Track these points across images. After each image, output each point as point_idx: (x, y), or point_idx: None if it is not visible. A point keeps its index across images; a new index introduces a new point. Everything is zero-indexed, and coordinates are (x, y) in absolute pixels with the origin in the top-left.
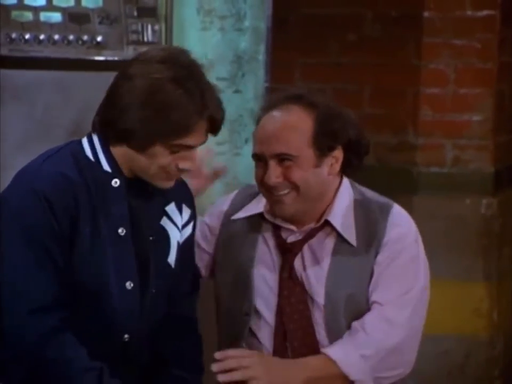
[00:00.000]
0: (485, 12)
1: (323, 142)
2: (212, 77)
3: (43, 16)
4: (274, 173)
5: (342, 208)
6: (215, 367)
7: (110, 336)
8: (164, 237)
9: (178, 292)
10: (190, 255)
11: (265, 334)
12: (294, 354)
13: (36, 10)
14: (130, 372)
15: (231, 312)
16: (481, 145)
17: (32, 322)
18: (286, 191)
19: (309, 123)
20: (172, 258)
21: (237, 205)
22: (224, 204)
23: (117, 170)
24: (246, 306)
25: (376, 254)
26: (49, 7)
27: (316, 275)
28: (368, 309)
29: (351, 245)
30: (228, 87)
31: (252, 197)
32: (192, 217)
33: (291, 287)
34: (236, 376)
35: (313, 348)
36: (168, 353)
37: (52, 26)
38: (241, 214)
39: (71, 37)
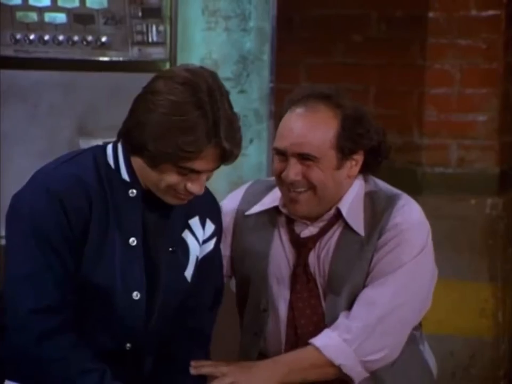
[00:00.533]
0: (490, 12)
1: (346, 145)
2: None
3: (48, 16)
4: (294, 170)
5: (351, 198)
6: (193, 371)
7: (112, 343)
8: (184, 249)
9: (196, 306)
10: (211, 270)
11: (278, 329)
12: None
13: (40, 11)
14: (133, 379)
15: (251, 309)
16: (487, 145)
17: (32, 322)
18: (302, 189)
19: (334, 124)
20: (189, 272)
21: (250, 200)
22: (233, 201)
23: (135, 181)
24: (263, 303)
25: (377, 242)
26: (54, 7)
27: (331, 270)
28: None
29: (358, 234)
30: (233, 87)
31: (266, 191)
32: (216, 232)
33: (304, 282)
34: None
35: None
36: (174, 362)
37: (56, 27)
38: (256, 208)
39: (75, 38)
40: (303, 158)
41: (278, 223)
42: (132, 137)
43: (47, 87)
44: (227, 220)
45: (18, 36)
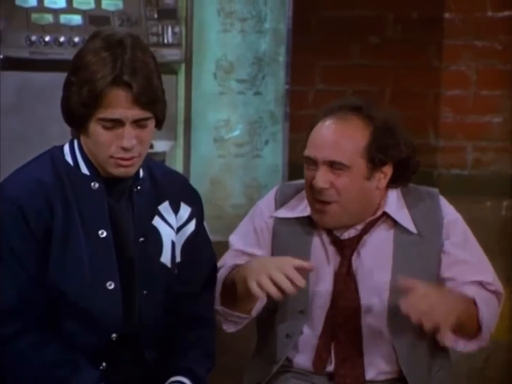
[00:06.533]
0: (506, 13)
1: (376, 156)
2: (232, 78)
3: (63, 18)
4: (323, 178)
5: (394, 200)
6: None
7: (96, 336)
8: (156, 236)
9: (188, 291)
10: (197, 251)
11: (318, 330)
12: (337, 347)
13: (56, 12)
14: (134, 371)
15: (283, 312)
16: (502, 147)
17: None
18: (328, 200)
19: (364, 135)
20: (166, 258)
21: (282, 203)
22: (268, 207)
23: (95, 173)
24: (301, 305)
25: (440, 238)
26: (70, 9)
27: (378, 267)
28: None
29: (411, 233)
30: (248, 89)
31: (293, 195)
32: (194, 214)
33: (347, 283)
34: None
35: (356, 345)
36: (175, 346)
37: (72, 28)
38: (286, 212)
39: None
40: (334, 166)
41: (316, 226)
42: (63, 112)
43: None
44: (264, 225)
45: (33, 38)
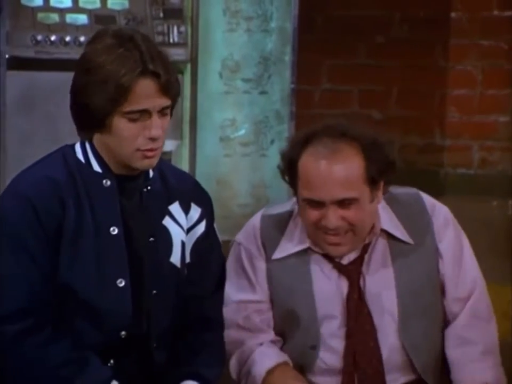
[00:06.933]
0: None
1: (374, 175)
2: (237, 78)
3: (69, 18)
4: (335, 216)
5: (383, 211)
6: None
7: (105, 333)
8: (166, 236)
9: (198, 294)
10: (208, 252)
11: (334, 361)
12: (360, 374)
13: (61, 12)
14: (143, 371)
15: (294, 347)
16: (508, 146)
17: (5, 325)
18: (343, 232)
19: (359, 160)
20: (175, 258)
21: (271, 242)
22: (258, 250)
23: (107, 171)
24: (312, 341)
25: (434, 242)
26: (75, 9)
27: (384, 285)
28: (437, 301)
29: (406, 243)
30: (254, 88)
31: (280, 230)
32: (205, 214)
33: (360, 308)
34: None
35: (377, 369)
36: (184, 350)
37: (77, 28)
38: (281, 253)
39: None
40: (343, 202)
41: (313, 257)
42: (79, 116)
43: (68, 88)
44: (254, 266)
45: (39, 37)
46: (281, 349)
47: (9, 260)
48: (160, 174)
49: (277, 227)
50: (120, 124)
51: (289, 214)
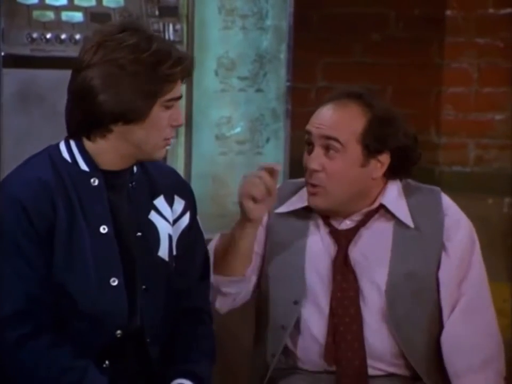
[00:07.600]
0: (508, 10)
1: (371, 143)
2: (233, 76)
3: (64, 15)
4: (316, 160)
5: (394, 193)
6: None
7: (101, 333)
8: (153, 231)
9: (186, 286)
10: (192, 243)
11: (318, 321)
12: (339, 338)
13: (57, 10)
14: (140, 370)
15: (277, 303)
16: (504, 144)
17: (5, 329)
18: (317, 183)
19: (361, 121)
20: (163, 252)
21: (281, 200)
22: None
23: (94, 169)
24: (296, 295)
25: (440, 236)
26: (71, 6)
27: (376, 260)
28: (430, 288)
29: (410, 228)
30: (250, 86)
31: (295, 191)
32: (188, 207)
33: (345, 273)
34: None
35: (357, 337)
36: (176, 347)
37: (73, 26)
38: (285, 208)
39: None
40: (329, 148)
41: (313, 219)
42: (92, 117)
43: (64, 86)
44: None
45: (35, 35)
46: (265, 305)
47: (4, 262)
48: (142, 168)
49: (293, 189)
50: (159, 113)
51: None
